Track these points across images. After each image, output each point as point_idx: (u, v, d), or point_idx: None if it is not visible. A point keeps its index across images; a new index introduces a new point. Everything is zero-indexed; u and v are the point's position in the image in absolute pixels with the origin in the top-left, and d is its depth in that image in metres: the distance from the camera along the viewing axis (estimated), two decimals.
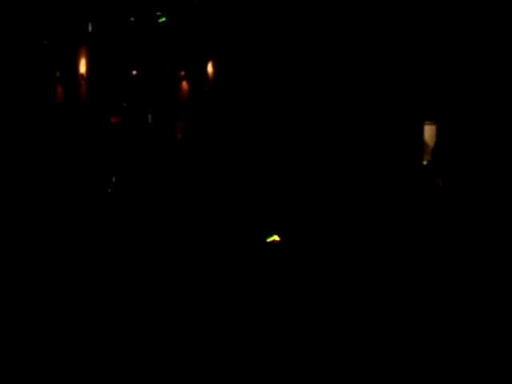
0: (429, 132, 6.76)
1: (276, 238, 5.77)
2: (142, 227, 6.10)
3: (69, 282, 4.78)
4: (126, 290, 4.76)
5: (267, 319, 4.30)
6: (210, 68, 7.30)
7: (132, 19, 7.12)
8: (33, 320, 4.13)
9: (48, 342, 3.86)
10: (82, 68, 7.05)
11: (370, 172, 6.47)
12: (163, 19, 6.98)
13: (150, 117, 7.09)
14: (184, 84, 7.24)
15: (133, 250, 5.52)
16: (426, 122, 6.79)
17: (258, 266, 5.20)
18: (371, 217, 6.08)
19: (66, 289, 4.66)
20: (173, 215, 6.37)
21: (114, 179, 6.74)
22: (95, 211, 6.32)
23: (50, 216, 5.98)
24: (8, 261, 4.99)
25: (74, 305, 4.42)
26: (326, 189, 6.48)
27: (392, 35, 6.82)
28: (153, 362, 3.78)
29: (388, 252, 5.47)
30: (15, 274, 4.81)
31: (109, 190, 6.60)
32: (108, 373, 3.63)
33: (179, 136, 7.13)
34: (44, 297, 4.54)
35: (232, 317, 4.35)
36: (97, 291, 4.72)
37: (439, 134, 6.75)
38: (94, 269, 5.10)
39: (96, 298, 4.59)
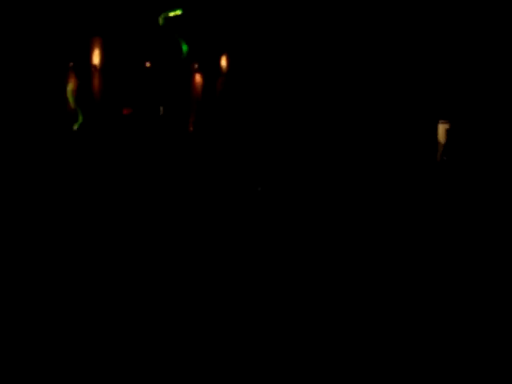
0: (442, 130, 6.73)
1: None
2: (151, 218, 6.10)
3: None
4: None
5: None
6: (223, 61, 7.27)
7: (147, 10, 7.07)
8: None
9: (52, 340, 3.85)
10: (96, 59, 7.01)
11: (384, 169, 6.46)
12: (178, 12, 6.95)
13: (162, 109, 7.07)
14: (197, 77, 7.21)
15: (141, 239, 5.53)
16: (440, 121, 6.76)
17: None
18: (387, 214, 6.08)
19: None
20: (182, 207, 6.37)
21: (126, 170, 6.73)
22: (106, 201, 6.32)
23: (62, 208, 5.97)
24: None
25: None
26: (339, 184, 6.47)
27: (407, 35, 6.78)
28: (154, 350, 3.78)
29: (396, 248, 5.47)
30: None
31: (120, 181, 6.60)
32: (108, 372, 3.60)
33: (191, 129, 7.11)
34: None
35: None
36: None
37: (452, 133, 6.72)
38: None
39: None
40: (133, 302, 4.42)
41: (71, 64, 7.05)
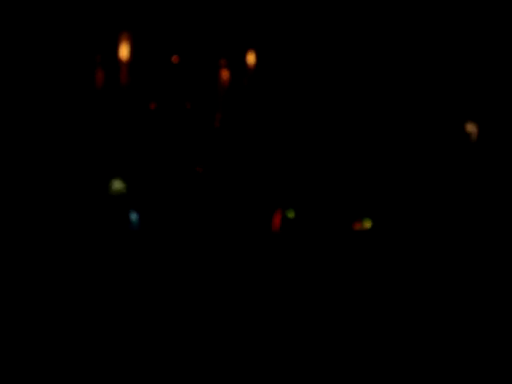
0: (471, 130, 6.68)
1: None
2: (172, 216, 6.07)
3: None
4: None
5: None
6: (251, 57, 7.23)
7: (176, 5, 7.05)
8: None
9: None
10: (123, 53, 7.00)
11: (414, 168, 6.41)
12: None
13: (188, 104, 7.05)
14: (224, 73, 7.18)
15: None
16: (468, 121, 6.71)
17: None
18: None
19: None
20: (207, 205, 6.34)
21: (150, 165, 6.71)
22: (131, 198, 6.30)
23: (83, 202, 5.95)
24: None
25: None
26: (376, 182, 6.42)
27: (438, 38, 6.74)
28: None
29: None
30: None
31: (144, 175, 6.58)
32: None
33: (218, 125, 7.08)
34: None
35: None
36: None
37: (480, 133, 6.67)
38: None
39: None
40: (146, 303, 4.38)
41: (98, 58, 7.04)
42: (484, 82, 6.80)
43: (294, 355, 3.92)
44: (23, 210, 5.45)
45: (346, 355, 3.89)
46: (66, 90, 6.79)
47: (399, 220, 6.02)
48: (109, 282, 4.69)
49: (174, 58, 7.12)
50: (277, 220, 6.12)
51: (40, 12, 6.76)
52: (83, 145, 6.69)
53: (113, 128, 6.82)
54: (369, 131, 6.83)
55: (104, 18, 6.94)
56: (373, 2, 7.07)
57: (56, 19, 6.81)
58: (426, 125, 6.77)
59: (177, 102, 7.09)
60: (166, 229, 5.82)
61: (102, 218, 5.58)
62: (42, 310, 4.20)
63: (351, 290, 5.01)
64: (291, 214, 6.14)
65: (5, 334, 3.81)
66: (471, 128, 6.72)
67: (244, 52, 7.26)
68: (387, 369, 3.67)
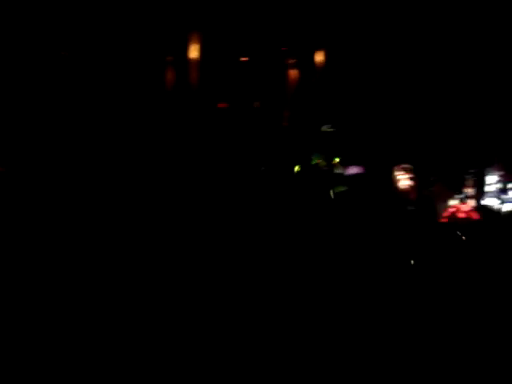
0: None
1: None
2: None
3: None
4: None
5: None
6: (319, 57, 7.24)
7: (244, 6, 7.14)
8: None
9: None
10: (193, 53, 7.11)
11: None
12: None
13: (257, 104, 7.09)
14: (293, 72, 7.20)
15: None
16: None
17: None
18: None
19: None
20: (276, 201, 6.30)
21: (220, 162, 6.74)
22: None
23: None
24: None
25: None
26: None
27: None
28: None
29: None
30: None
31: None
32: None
33: (286, 123, 7.08)
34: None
35: None
36: None
37: None
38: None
39: None
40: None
41: (169, 58, 7.17)
42: None
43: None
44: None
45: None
46: (139, 90, 6.91)
47: None
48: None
49: (243, 58, 7.19)
50: None
51: (114, 13, 6.93)
52: (154, 142, 6.77)
53: (183, 126, 6.90)
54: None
55: (174, 19, 7.07)
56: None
57: (128, 21, 6.97)
58: None
59: (246, 101, 7.14)
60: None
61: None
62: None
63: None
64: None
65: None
66: None
67: (313, 51, 7.27)
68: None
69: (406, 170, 5.91)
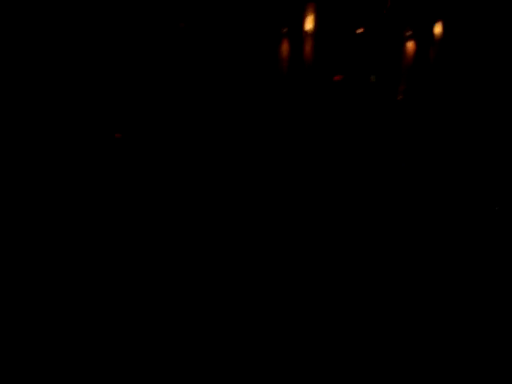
0: None
1: None
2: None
3: None
4: None
5: None
6: (438, 29, 7.08)
7: None
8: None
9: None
10: (309, 25, 7.06)
11: None
12: None
13: (373, 77, 6.99)
14: (410, 44, 7.07)
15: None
16: None
17: None
18: None
19: None
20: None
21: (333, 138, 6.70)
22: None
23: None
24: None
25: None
26: None
27: None
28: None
29: None
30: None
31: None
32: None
33: (401, 97, 6.98)
34: None
35: None
36: None
37: None
38: None
39: None
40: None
41: (285, 30, 7.13)
42: None
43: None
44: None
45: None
46: (252, 64, 6.91)
47: None
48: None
49: (359, 30, 7.10)
50: None
51: None
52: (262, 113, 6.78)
53: (294, 101, 6.88)
54: None
55: None
56: None
57: None
58: None
59: (361, 74, 7.05)
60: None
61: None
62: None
63: None
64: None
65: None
66: None
67: (431, 23, 7.12)
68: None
69: None
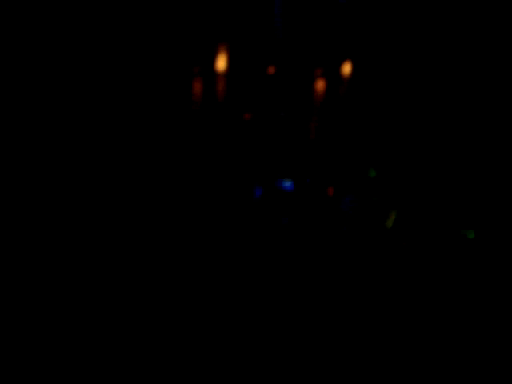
0: None
1: None
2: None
3: None
4: None
5: None
6: (347, 68, 7.20)
7: (271, 16, 6.99)
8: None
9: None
10: (221, 64, 7.23)
11: None
12: None
13: (283, 115, 7.35)
14: (320, 83, 7.27)
15: None
16: None
17: None
18: None
19: None
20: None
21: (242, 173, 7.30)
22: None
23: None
24: None
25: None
26: None
27: None
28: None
29: None
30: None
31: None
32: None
33: (313, 136, 7.41)
34: None
35: None
36: None
37: None
38: None
39: None
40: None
41: (196, 69, 7.31)
42: None
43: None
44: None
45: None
46: (165, 101, 7.23)
47: None
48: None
49: (270, 69, 7.25)
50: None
51: (138, 23, 6.99)
52: (178, 154, 7.32)
53: (208, 138, 7.36)
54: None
55: (202, 29, 7.06)
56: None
57: (155, 31, 7.03)
58: None
59: (272, 112, 7.39)
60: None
61: None
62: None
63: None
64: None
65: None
66: None
67: (340, 63, 7.21)
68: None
69: None
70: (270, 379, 3.71)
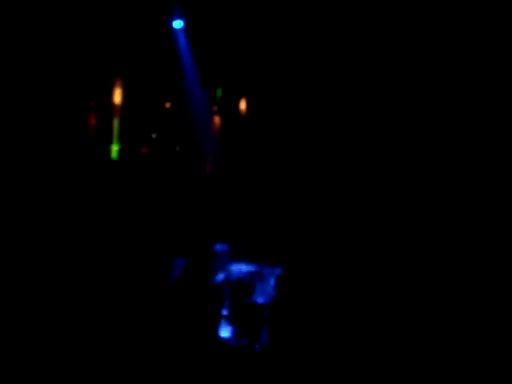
0: None
1: None
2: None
3: None
4: None
5: None
6: (242, 105, 7.31)
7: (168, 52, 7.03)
8: None
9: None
10: (117, 98, 7.23)
11: None
12: None
13: (178, 148, 7.41)
14: (216, 119, 7.36)
15: None
16: None
17: None
18: None
19: None
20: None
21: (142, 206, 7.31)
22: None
23: None
24: None
25: None
26: None
27: None
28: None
29: None
30: None
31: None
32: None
33: (209, 169, 7.49)
34: None
35: None
36: None
37: None
38: None
39: None
40: None
41: (93, 103, 7.30)
42: None
43: None
44: None
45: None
46: (62, 134, 7.16)
47: None
48: None
49: (167, 104, 7.29)
50: None
51: (36, 58, 6.89)
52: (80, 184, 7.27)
53: (106, 169, 7.35)
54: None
55: (98, 64, 7.04)
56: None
57: (51, 65, 6.95)
58: None
59: (168, 146, 7.44)
60: None
61: None
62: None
63: None
64: None
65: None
66: None
67: (235, 100, 7.31)
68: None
69: None
70: None
